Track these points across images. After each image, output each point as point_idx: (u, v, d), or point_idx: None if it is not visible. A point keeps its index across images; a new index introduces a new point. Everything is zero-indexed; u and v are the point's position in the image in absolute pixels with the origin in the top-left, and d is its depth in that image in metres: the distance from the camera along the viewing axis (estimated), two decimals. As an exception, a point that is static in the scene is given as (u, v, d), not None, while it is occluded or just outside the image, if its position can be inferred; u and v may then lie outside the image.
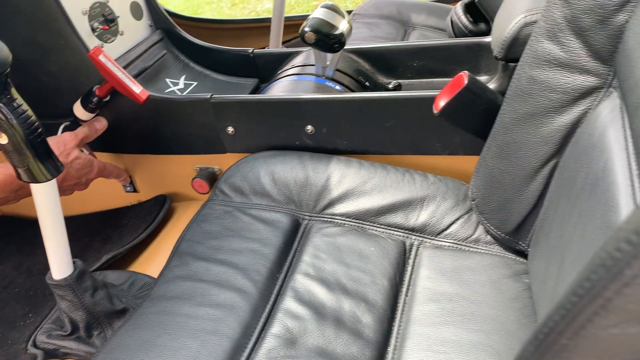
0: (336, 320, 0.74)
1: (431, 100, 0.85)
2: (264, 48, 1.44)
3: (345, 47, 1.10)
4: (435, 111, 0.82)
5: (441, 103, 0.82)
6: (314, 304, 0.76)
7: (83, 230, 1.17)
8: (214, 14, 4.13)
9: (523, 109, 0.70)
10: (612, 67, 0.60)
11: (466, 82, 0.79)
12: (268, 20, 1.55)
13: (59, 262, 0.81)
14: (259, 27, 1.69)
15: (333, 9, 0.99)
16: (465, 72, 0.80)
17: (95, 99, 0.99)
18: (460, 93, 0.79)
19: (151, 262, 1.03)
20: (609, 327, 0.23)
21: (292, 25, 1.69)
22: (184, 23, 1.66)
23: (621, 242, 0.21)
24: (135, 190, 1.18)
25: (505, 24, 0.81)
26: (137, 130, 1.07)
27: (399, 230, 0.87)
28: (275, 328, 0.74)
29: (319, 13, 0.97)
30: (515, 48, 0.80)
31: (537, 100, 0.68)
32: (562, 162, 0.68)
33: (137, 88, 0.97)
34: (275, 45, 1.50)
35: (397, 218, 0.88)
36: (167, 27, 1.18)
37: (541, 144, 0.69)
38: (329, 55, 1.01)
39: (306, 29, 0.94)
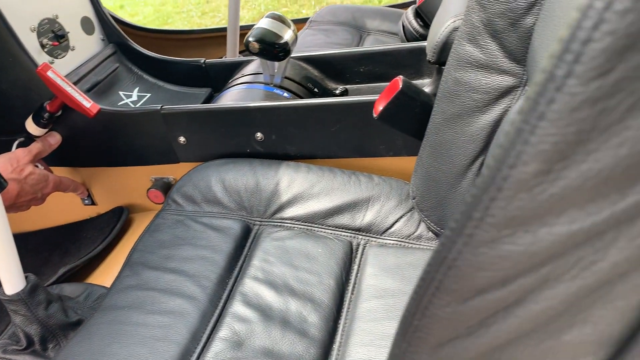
0: (283, 321, 0.77)
1: (372, 104, 0.88)
2: (222, 57, 1.46)
3: (295, 55, 1.12)
4: (374, 115, 0.85)
5: (379, 107, 0.85)
6: (261, 306, 0.79)
7: (43, 245, 1.18)
8: (184, 23, 4.13)
9: (451, 109, 0.73)
10: (525, 67, 0.64)
11: (401, 86, 0.82)
12: (225, 29, 1.57)
13: (10, 277, 0.82)
14: (219, 36, 1.71)
15: (278, 18, 1.02)
16: (400, 77, 0.83)
17: (46, 115, 1.01)
18: (396, 97, 0.82)
19: (108, 273, 1.05)
20: (444, 306, 0.25)
21: (250, 34, 1.71)
22: (144, 35, 1.67)
23: (446, 231, 0.24)
24: (93, 203, 1.19)
25: (437, 29, 0.84)
26: (91, 143, 1.08)
27: (346, 230, 0.90)
28: (223, 332, 0.76)
29: (263, 23, 0.99)
30: (446, 52, 0.83)
31: (463, 100, 0.71)
32: (487, 158, 0.71)
33: (87, 102, 0.98)
34: (232, 54, 1.52)
35: (344, 219, 0.90)
36: (120, 41, 1.19)
37: (469, 142, 0.72)
38: (276, 64, 1.03)
39: (250, 38, 0.97)
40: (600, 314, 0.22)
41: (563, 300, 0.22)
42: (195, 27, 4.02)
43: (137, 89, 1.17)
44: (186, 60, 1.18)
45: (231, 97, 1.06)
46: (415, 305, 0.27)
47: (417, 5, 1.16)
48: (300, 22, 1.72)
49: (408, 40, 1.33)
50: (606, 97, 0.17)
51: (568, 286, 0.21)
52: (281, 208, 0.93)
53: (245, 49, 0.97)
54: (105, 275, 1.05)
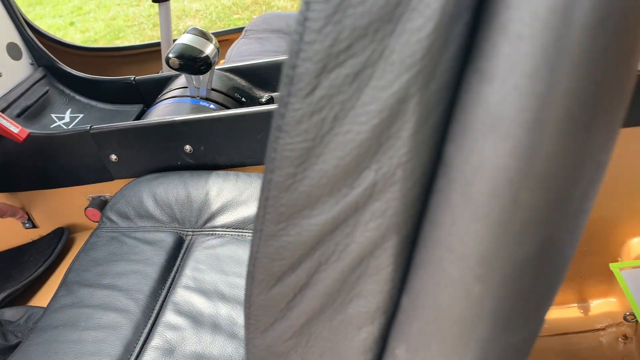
0: (213, 325, 0.79)
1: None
2: (159, 72, 1.48)
3: (222, 67, 1.15)
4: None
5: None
6: (192, 313, 0.81)
7: (-13, 272, 1.18)
8: (136, 36, 4.11)
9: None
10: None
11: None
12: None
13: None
14: (156, 50, 1.72)
15: (200, 33, 1.04)
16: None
17: (-25, 143, 1.01)
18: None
19: (50, 295, 1.06)
20: (259, 294, 0.29)
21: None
22: (82, 54, 1.67)
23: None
24: (34, 226, 1.20)
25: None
26: (25, 167, 1.09)
27: (276, 234, 0.93)
28: (155, 341, 0.78)
29: (184, 39, 1.02)
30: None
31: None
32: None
33: (15, 128, 0.99)
34: (167, 68, 1.53)
35: (273, 223, 0.94)
36: (50, 64, 1.21)
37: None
38: (200, 77, 1.06)
39: (170, 55, 0.99)
40: (368, 288, 0.25)
41: (337, 279, 0.25)
42: (148, 39, 4.01)
43: (69, 110, 1.18)
44: (117, 79, 1.20)
45: (159, 113, 1.08)
46: (244, 295, 0.31)
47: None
48: (236, 32, 1.74)
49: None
50: (317, 111, 0.21)
51: (335, 267, 0.25)
52: (212, 217, 0.96)
53: (166, 64, 1.00)
54: (46, 296, 1.06)
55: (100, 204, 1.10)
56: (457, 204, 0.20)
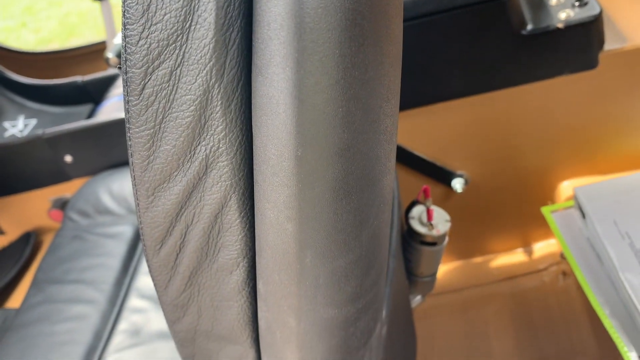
0: (174, 305, 0.85)
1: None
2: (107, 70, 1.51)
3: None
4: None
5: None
6: (154, 296, 0.87)
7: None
8: (92, 32, 4.05)
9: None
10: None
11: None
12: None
13: None
14: (103, 49, 1.74)
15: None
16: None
17: None
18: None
19: (23, 296, 1.11)
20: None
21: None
22: (32, 59, 1.69)
23: None
24: (1, 233, 1.25)
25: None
26: (-15, 177, 1.14)
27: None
28: (122, 325, 0.84)
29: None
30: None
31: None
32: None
33: (-31, 141, 1.03)
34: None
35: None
36: (-3, 73, 1.24)
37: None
38: (143, 73, 1.10)
39: (109, 54, 1.04)
40: (227, 240, 0.31)
41: (202, 235, 0.31)
42: (103, 35, 3.97)
43: (22, 116, 1.22)
44: (65, 82, 1.24)
45: (107, 110, 1.13)
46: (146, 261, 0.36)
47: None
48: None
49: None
50: (150, 104, 0.27)
51: (198, 226, 0.31)
52: (167, 205, 1.01)
53: (106, 64, 1.04)
54: (20, 298, 1.11)
55: (62, 205, 1.15)
56: (262, 164, 0.26)
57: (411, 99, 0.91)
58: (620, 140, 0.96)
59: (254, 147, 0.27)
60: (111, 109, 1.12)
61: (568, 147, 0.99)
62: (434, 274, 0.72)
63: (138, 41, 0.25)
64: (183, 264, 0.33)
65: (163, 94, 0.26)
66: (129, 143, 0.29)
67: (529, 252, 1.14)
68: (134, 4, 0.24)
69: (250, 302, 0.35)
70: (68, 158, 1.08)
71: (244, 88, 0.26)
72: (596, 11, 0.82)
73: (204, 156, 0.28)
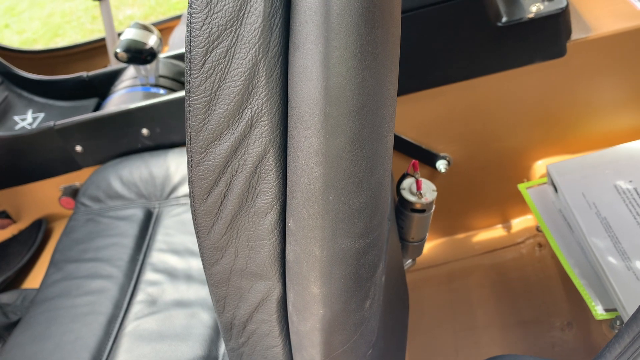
0: (187, 277, 0.93)
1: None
2: (107, 66, 1.58)
3: (167, 54, 1.27)
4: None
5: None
6: (168, 270, 0.95)
7: (-24, 268, 1.29)
8: (76, 31, 4.07)
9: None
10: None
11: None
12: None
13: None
14: (102, 45, 1.81)
15: (142, 27, 1.16)
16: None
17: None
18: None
19: (39, 278, 1.18)
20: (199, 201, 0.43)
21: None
22: (31, 57, 1.75)
23: None
24: (13, 221, 1.31)
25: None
26: (-2, 168, 1.20)
27: (232, 196, 1.07)
28: (139, 296, 0.92)
29: (128, 34, 1.13)
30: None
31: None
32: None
33: (-16, 133, 1.10)
34: (115, 61, 1.63)
35: (228, 187, 1.07)
36: (5, 70, 1.30)
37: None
38: (147, 66, 1.18)
39: (117, 50, 1.11)
40: (264, 186, 0.39)
41: (244, 183, 0.39)
42: (88, 34, 3.99)
43: (30, 111, 1.28)
44: (71, 77, 1.30)
45: (115, 102, 1.20)
46: (191, 210, 0.44)
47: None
48: (176, 19, 1.84)
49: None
50: (209, 76, 0.35)
51: (241, 176, 0.39)
52: (174, 189, 1.09)
53: (115, 58, 1.11)
54: (36, 280, 1.18)
55: (73, 192, 1.22)
56: (297, 120, 0.34)
57: (398, 87, 0.99)
58: (587, 122, 1.06)
59: (289, 108, 0.35)
60: (118, 101, 1.20)
61: (541, 129, 1.08)
62: (423, 239, 0.81)
63: (202, 26, 0.33)
64: (226, 210, 0.41)
65: (220, 68, 0.34)
66: (188, 109, 0.37)
67: (508, 227, 1.23)
68: (199, -2, 0.32)
69: (280, 240, 0.43)
70: (78, 148, 1.15)
71: (282, 61, 0.34)
72: (563, 4, 0.91)
73: (249, 117, 0.36)
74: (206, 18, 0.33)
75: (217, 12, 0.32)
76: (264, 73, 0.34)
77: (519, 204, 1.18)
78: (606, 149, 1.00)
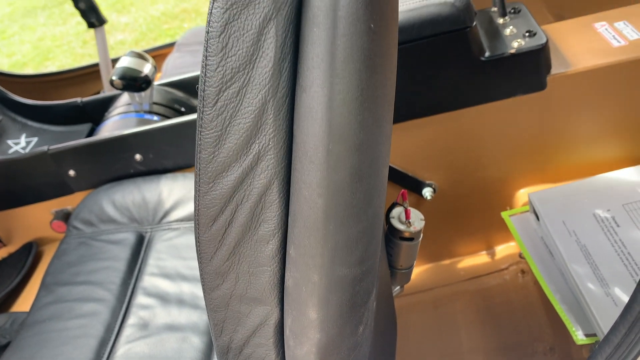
0: (179, 301, 0.95)
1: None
2: (99, 91, 1.60)
3: (161, 82, 1.30)
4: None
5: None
6: (160, 294, 0.96)
7: (-37, 291, 1.28)
8: (67, 55, 4.09)
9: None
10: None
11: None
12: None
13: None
14: (95, 71, 1.83)
15: (137, 55, 1.19)
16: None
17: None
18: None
19: (29, 301, 1.18)
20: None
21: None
22: (23, 81, 1.77)
23: None
24: (3, 244, 1.31)
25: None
26: (-10, 191, 1.21)
27: (223, 221, 1.09)
28: (131, 320, 0.93)
29: (124, 62, 1.16)
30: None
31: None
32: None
33: (-22, 156, 1.11)
34: (108, 87, 1.66)
35: (220, 212, 1.09)
36: (-1, 95, 1.32)
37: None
38: (142, 94, 1.20)
39: (113, 77, 1.13)
40: (267, 215, 0.42)
41: (248, 212, 0.42)
42: (79, 58, 4.01)
43: (24, 135, 1.30)
44: (65, 102, 1.33)
45: (109, 128, 1.22)
46: (194, 236, 0.47)
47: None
48: (169, 47, 1.88)
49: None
50: (220, 113, 0.38)
51: (246, 205, 0.41)
52: (167, 214, 1.11)
53: (111, 86, 1.14)
54: (26, 303, 1.18)
55: (64, 216, 1.23)
56: (301, 155, 0.37)
57: None
58: (567, 152, 1.11)
59: (294, 143, 0.38)
60: (112, 127, 1.22)
61: (523, 159, 1.12)
62: (411, 267, 0.84)
63: (216, 68, 0.36)
64: (230, 237, 0.44)
65: (231, 106, 0.37)
66: (198, 142, 0.40)
67: (492, 253, 1.27)
68: (214, 42, 0.35)
69: (280, 267, 0.45)
70: (71, 172, 1.17)
71: (289, 101, 0.37)
72: (543, 40, 0.96)
73: (257, 151, 0.39)
74: (221, 61, 0.35)
75: (231, 56, 0.35)
76: (272, 111, 0.37)
77: (502, 231, 1.22)
78: (585, 178, 1.05)
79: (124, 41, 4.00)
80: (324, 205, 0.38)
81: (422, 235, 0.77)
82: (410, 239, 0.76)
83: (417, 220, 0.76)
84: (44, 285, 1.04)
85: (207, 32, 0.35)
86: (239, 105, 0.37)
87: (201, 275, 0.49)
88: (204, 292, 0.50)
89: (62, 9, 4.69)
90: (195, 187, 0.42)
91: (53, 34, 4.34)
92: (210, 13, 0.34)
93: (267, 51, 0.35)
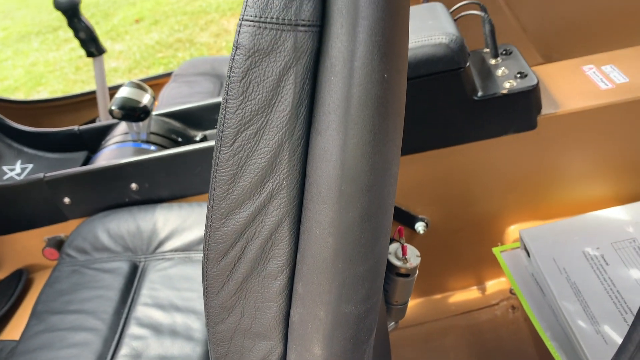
0: (172, 332, 0.94)
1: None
2: (95, 118, 1.61)
3: (158, 112, 1.31)
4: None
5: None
6: (153, 324, 0.96)
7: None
8: (59, 81, 4.10)
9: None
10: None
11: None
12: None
13: None
14: (91, 98, 1.85)
15: (137, 85, 1.20)
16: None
17: None
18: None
19: (18, 329, 1.16)
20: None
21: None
22: (19, 107, 1.78)
23: None
24: (-8, 271, 1.30)
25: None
26: (-18, 217, 1.21)
27: (218, 252, 1.09)
28: (123, 350, 0.92)
29: (124, 92, 1.18)
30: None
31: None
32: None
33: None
34: (104, 115, 1.67)
35: (215, 243, 1.10)
36: (-4, 121, 1.32)
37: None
38: (140, 123, 1.22)
39: (113, 107, 1.15)
40: (277, 252, 0.43)
41: (258, 248, 0.43)
42: (71, 84, 4.03)
43: (19, 161, 1.30)
44: (62, 130, 1.33)
45: (106, 157, 1.23)
46: (202, 270, 0.47)
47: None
48: (166, 77, 1.90)
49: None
50: (237, 153, 0.39)
51: (256, 242, 0.43)
52: (161, 243, 1.11)
53: (110, 115, 1.15)
54: (15, 331, 1.16)
55: (57, 244, 1.22)
56: (314, 195, 0.39)
57: None
58: (556, 190, 1.13)
59: (306, 184, 0.40)
60: (109, 156, 1.23)
61: (514, 196, 1.15)
62: (406, 302, 0.85)
63: (235, 111, 0.38)
64: (238, 272, 0.45)
65: (248, 147, 0.38)
66: (213, 180, 0.41)
67: (482, 289, 1.28)
68: (235, 86, 0.37)
69: (286, 303, 0.46)
70: (66, 200, 1.17)
71: (304, 143, 0.39)
72: (534, 82, 1.00)
73: (270, 190, 0.40)
74: (240, 104, 0.37)
75: (251, 100, 0.37)
76: (288, 152, 0.38)
77: (493, 267, 1.23)
78: (575, 216, 1.07)
79: (117, 68, 4.03)
80: (334, 243, 0.39)
81: (417, 271, 0.79)
82: (407, 275, 0.78)
83: (413, 256, 0.78)
84: (34, 313, 1.03)
85: (229, 77, 0.37)
86: (255, 145, 0.38)
87: (206, 308, 0.50)
88: (207, 326, 0.51)
89: (56, 35, 4.72)
90: (207, 223, 0.43)
91: (46, 60, 4.36)
92: (233, 59, 0.36)
93: (286, 96, 0.37)
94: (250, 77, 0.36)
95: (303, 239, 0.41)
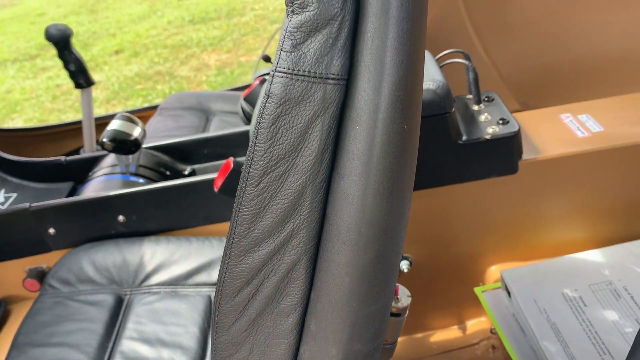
0: (158, 368, 0.94)
1: (213, 181, 1.10)
2: (79, 148, 1.61)
3: (147, 145, 1.32)
4: (215, 189, 1.07)
5: (219, 183, 1.07)
6: (138, 359, 0.95)
7: None
8: (35, 109, 4.06)
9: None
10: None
11: (232, 166, 1.05)
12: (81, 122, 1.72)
13: None
14: (76, 128, 1.84)
15: (127, 118, 1.22)
16: (231, 158, 1.06)
17: None
18: (230, 174, 1.05)
19: (-6, 362, 1.13)
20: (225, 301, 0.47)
21: (105, 124, 1.87)
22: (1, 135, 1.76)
23: None
24: (-31, 301, 1.27)
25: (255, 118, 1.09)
26: (-38, 247, 1.18)
27: (205, 286, 1.09)
28: (108, 386, 0.91)
29: (115, 124, 1.19)
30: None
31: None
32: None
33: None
34: (89, 146, 1.67)
35: (202, 277, 1.10)
36: (-20, 149, 1.31)
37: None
38: (130, 156, 1.22)
39: (104, 139, 1.15)
40: (292, 290, 0.45)
41: (274, 286, 0.45)
42: (47, 112, 3.99)
43: (2, 190, 1.29)
44: (48, 160, 1.33)
45: (94, 188, 1.22)
46: (213, 306, 0.49)
47: (243, 96, 1.41)
48: (151, 109, 1.91)
49: (247, 119, 1.59)
50: (261, 194, 0.41)
51: (273, 279, 0.44)
52: (147, 277, 1.11)
53: (101, 147, 1.16)
54: (-9, 364, 1.13)
55: (38, 275, 1.20)
56: (333, 236, 0.41)
57: None
58: (537, 232, 1.17)
59: (326, 224, 0.42)
60: (96, 187, 1.23)
61: (495, 237, 1.18)
62: (395, 342, 0.86)
63: (263, 154, 0.40)
64: (251, 309, 0.46)
65: (272, 188, 0.41)
66: (235, 218, 0.43)
67: (463, 328, 1.30)
68: (265, 132, 0.39)
69: (296, 340, 0.48)
70: (51, 230, 1.16)
71: (325, 186, 0.41)
72: (516, 128, 1.05)
73: (290, 229, 0.42)
74: (269, 148, 0.39)
75: (279, 145, 0.39)
76: (310, 195, 0.41)
77: (474, 306, 1.26)
78: (554, 258, 1.11)
79: (95, 98, 4.00)
80: (350, 283, 0.41)
81: (407, 311, 0.80)
82: (397, 315, 0.79)
83: (404, 296, 0.80)
84: (15, 345, 1.00)
85: (259, 122, 0.39)
86: (280, 187, 0.41)
87: (213, 343, 0.51)
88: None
89: (33, 63, 4.69)
90: (224, 259, 0.45)
91: (22, 87, 4.31)
92: (264, 106, 0.38)
93: (313, 142, 0.39)
94: (280, 123, 0.39)
95: (319, 277, 0.43)
